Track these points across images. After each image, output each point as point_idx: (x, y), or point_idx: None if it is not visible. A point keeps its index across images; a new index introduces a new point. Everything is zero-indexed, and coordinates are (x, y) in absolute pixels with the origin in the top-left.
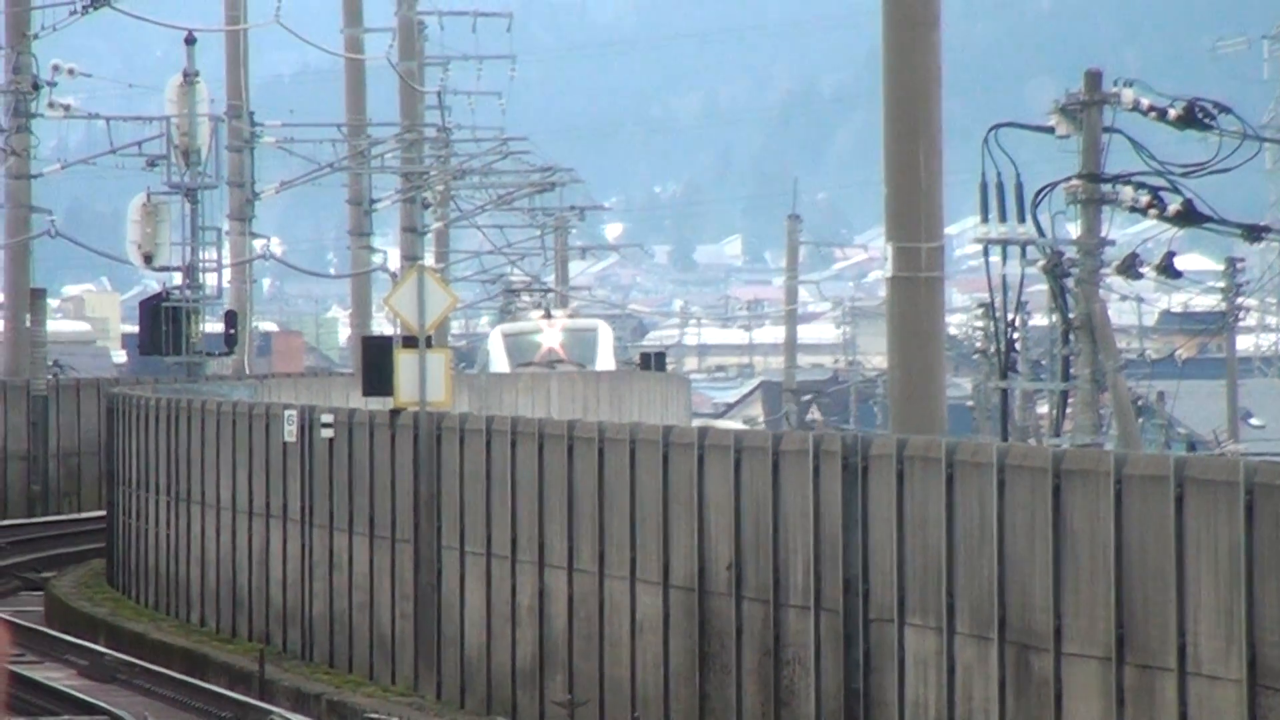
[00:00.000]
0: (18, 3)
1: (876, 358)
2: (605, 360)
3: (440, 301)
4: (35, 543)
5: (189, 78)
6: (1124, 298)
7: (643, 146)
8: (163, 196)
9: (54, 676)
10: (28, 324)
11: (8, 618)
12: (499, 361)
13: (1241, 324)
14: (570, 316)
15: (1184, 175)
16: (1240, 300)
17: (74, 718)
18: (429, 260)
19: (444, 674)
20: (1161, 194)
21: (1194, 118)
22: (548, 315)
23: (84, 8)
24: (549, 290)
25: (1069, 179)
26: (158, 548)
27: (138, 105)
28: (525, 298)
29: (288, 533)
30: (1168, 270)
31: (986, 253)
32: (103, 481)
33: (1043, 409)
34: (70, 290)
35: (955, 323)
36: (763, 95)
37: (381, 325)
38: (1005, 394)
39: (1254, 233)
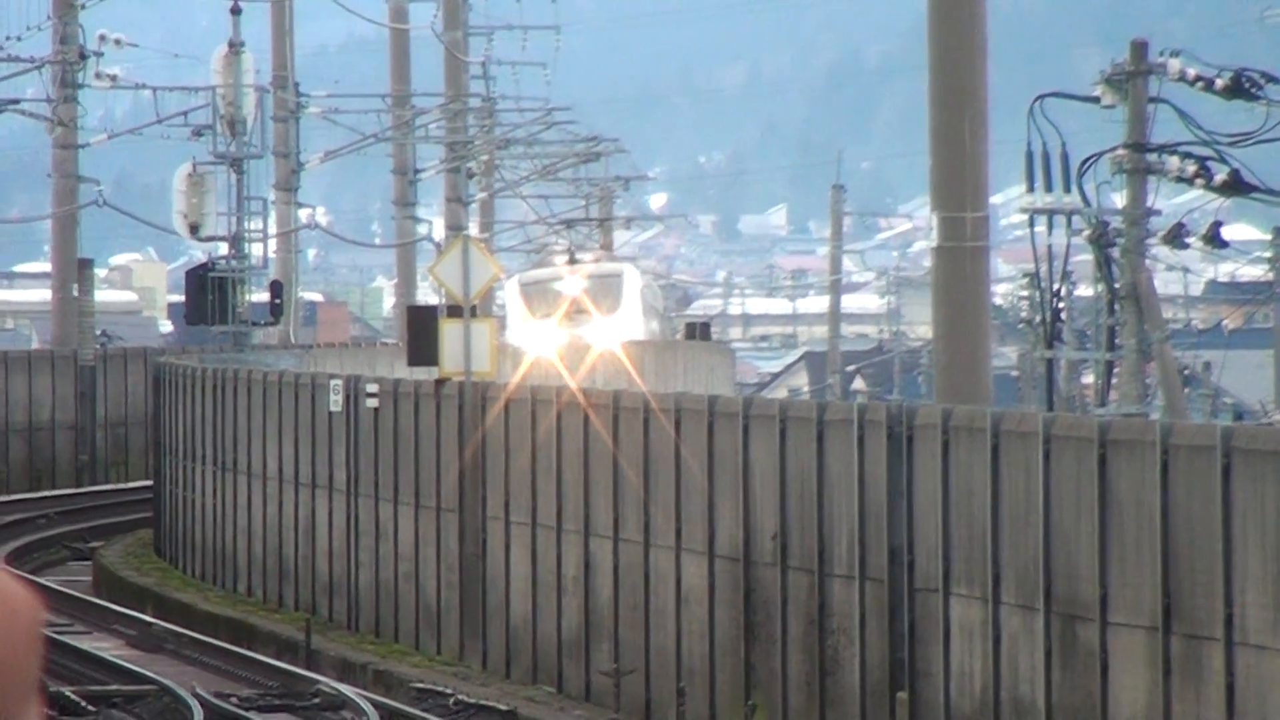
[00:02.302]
0: None
1: (921, 327)
2: (631, 307)
3: (485, 271)
4: (83, 512)
5: (234, 48)
6: (1170, 267)
7: (687, 116)
8: (208, 167)
9: (102, 646)
10: (75, 294)
11: (54, 586)
12: (516, 314)
13: None
14: (595, 260)
15: (1230, 145)
16: None
17: (122, 687)
18: (473, 230)
19: (489, 643)
20: (1208, 163)
21: (1241, 87)
22: (572, 260)
23: None
24: (594, 221)
25: (1115, 149)
26: (204, 518)
27: (183, 76)
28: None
29: (333, 503)
30: (1214, 240)
31: (1032, 222)
32: (149, 451)
33: (1088, 379)
34: (117, 260)
35: (1000, 292)
36: (808, 65)
37: (426, 295)
38: (1050, 364)
39: None
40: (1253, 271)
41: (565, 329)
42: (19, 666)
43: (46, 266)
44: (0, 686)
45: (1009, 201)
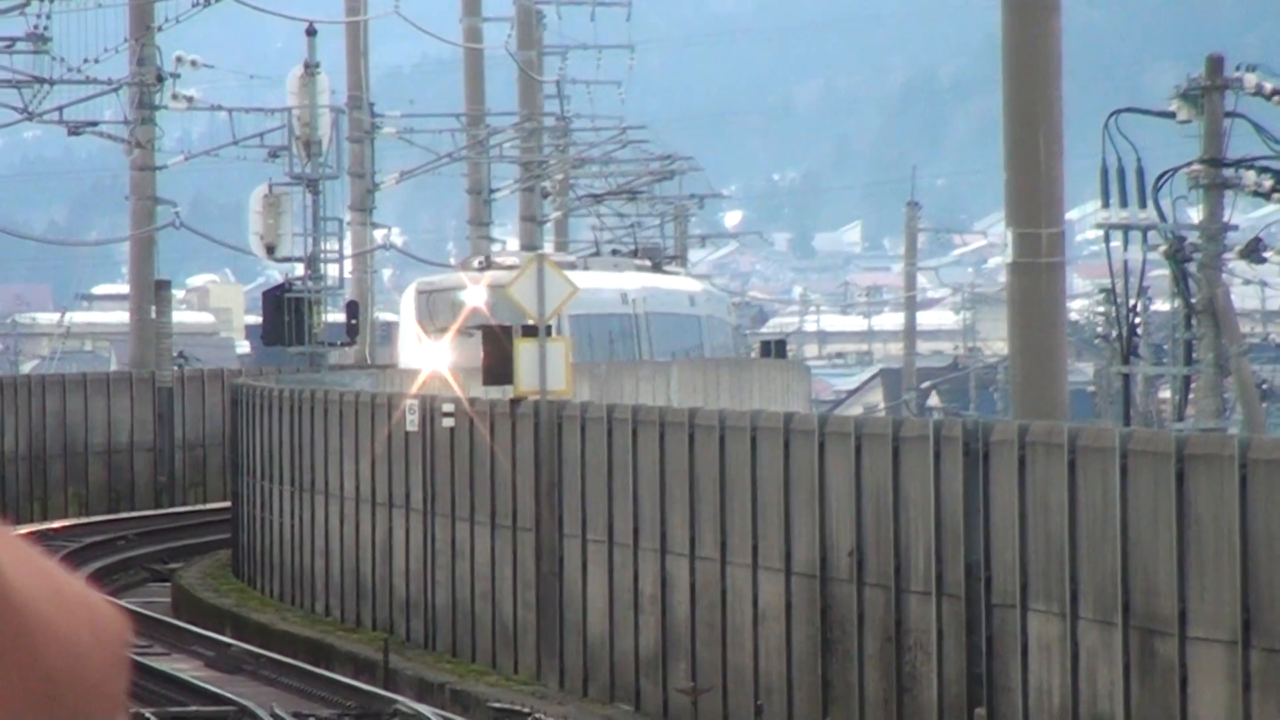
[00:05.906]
0: None
1: (997, 343)
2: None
3: (560, 290)
4: (162, 534)
5: (310, 69)
6: (1247, 282)
7: (761, 134)
8: (284, 188)
9: (181, 668)
10: (153, 316)
11: (133, 608)
12: (409, 326)
13: None
14: (508, 267)
15: None
16: None
17: (201, 708)
18: (548, 249)
19: (566, 662)
20: None
21: None
22: (486, 265)
23: (206, 0)
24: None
25: (1190, 163)
26: (282, 538)
27: (259, 97)
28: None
29: (410, 522)
30: None
31: (1108, 238)
32: (227, 472)
33: (1165, 394)
34: (194, 281)
35: (1076, 308)
36: (881, 83)
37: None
38: (1127, 379)
39: None
40: None
41: (460, 345)
42: (106, 685)
43: (124, 288)
44: (88, 706)
45: (1084, 217)
